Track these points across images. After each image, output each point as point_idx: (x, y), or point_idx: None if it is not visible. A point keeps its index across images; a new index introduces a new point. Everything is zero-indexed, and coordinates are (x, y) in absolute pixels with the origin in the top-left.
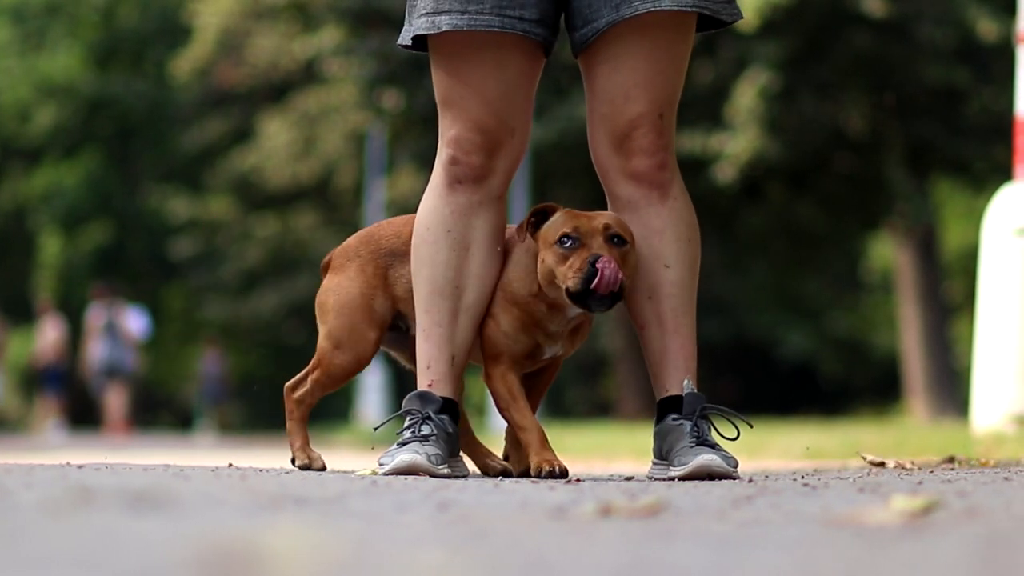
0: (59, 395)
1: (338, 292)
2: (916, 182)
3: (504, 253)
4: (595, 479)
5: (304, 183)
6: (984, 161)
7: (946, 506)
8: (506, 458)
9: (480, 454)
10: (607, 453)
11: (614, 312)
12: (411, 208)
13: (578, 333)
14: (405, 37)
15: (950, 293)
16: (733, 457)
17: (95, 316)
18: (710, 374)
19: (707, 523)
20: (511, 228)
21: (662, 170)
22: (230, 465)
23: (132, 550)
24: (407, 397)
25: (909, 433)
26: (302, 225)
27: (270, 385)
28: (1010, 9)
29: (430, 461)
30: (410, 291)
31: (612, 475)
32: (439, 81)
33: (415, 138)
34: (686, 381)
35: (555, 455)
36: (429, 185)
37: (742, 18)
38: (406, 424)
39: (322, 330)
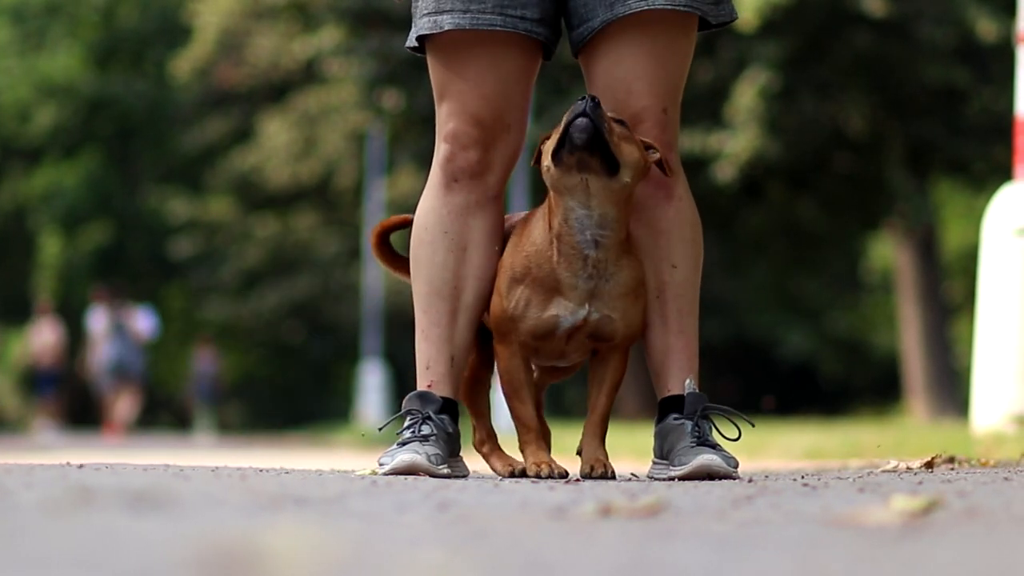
0: (54, 397)
1: None
2: (916, 182)
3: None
4: (595, 479)
5: (304, 183)
6: (984, 161)
7: (946, 506)
8: (579, 453)
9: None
10: (607, 453)
11: None
12: (411, 208)
13: (624, 303)
14: (411, 39)
15: (950, 293)
16: (733, 457)
17: (97, 319)
18: (710, 374)
19: (707, 523)
20: (510, 217)
21: (665, 168)
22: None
23: (132, 550)
24: (407, 397)
25: (909, 433)
26: (302, 225)
27: (270, 385)
28: (1010, 9)
29: (430, 461)
30: None
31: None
32: (437, 76)
33: (415, 138)
34: (688, 380)
35: (549, 456)
36: (427, 185)
37: (735, 19)
38: (406, 424)
39: None
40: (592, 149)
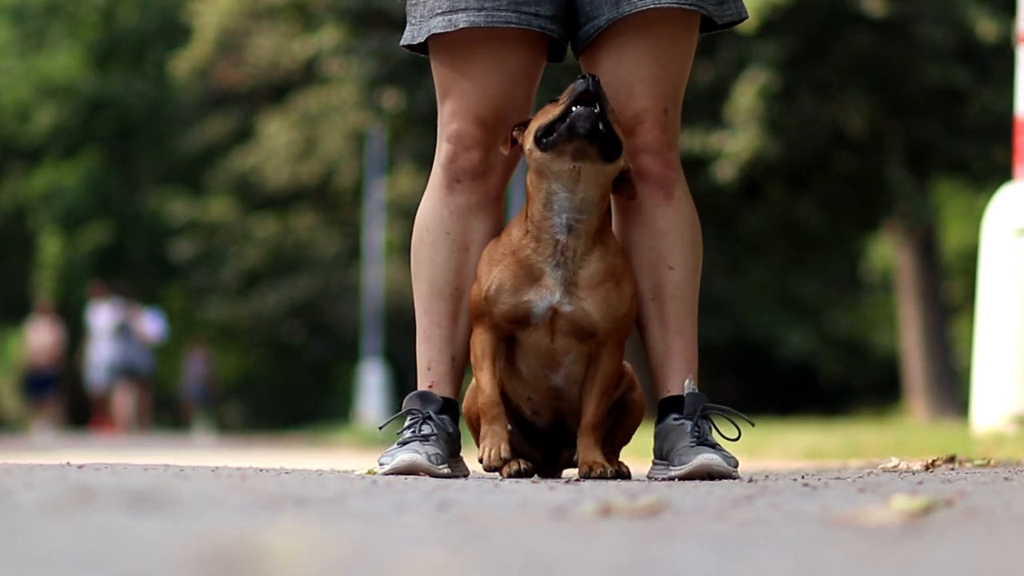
0: (52, 398)
1: None
2: (916, 182)
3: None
4: (595, 479)
5: (304, 183)
6: (984, 161)
7: (946, 506)
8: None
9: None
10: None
11: None
12: (411, 208)
13: (602, 291)
14: (416, 37)
15: (950, 293)
16: (734, 457)
17: (96, 316)
18: (710, 374)
19: (707, 523)
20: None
21: (668, 168)
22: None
23: (132, 550)
24: (408, 397)
25: (909, 433)
26: (302, 225)
27: (270, 385)
28: (1010, 9)
29: (430, 461)
30: None
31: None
32: (440, 75)
33: (415, 138)
34: (687, 381)
35: (506, 439)
36: (428, 186)
37: (744, 18)
38: (407, 424)
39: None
40: (592, 139)
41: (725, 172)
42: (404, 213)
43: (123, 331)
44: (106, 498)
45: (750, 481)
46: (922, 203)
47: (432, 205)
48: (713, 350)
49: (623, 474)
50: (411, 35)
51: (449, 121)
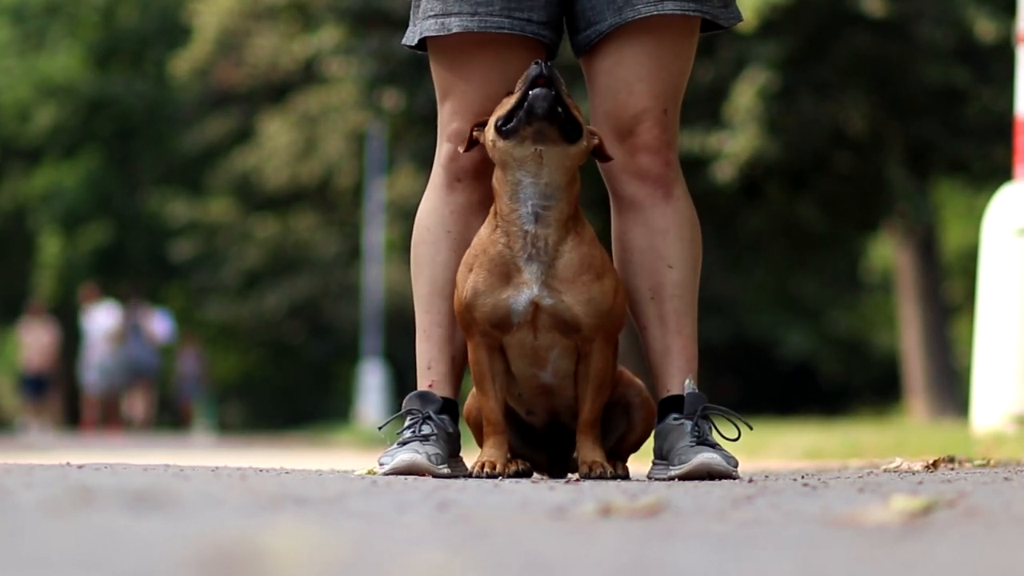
0: (47, 399)
1: None
2: (916, 182)
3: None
4: (595, 479)
5: (304, 183)
6: (984, 161)
7: (946, 506)
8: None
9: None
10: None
11: None
12: (411, 208)
13: (579, 284)
14: (411, 38)
15: (950, 293)
16: (733, 457)
17: (90, 318)
18: (710, 374)
19: (707, 523)
20: None
21: (667, 168)
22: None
23: (132, 550)
24: (408, 397)
25: (909, 433)
26: (302, 225)
27: (270, 385)
28: (1009, 9)
29: (430, 461)
30: None
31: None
32: (440, 76)
33: (415, 138)
34: (687, 381)
35: (501, 454)
36: (428, 186)
37: (741, 20)
38: (407, 424)
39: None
40: (552, 119)
41: (724, 172)
42: (404, 213)
43: (133, 331)
44: (106, 498)
45: (750, 481)
46: (922, 203)
47: (433, 204)
48: (713, 350)
49: (622, 475)
50: (409, 35)
51: (449, 121)
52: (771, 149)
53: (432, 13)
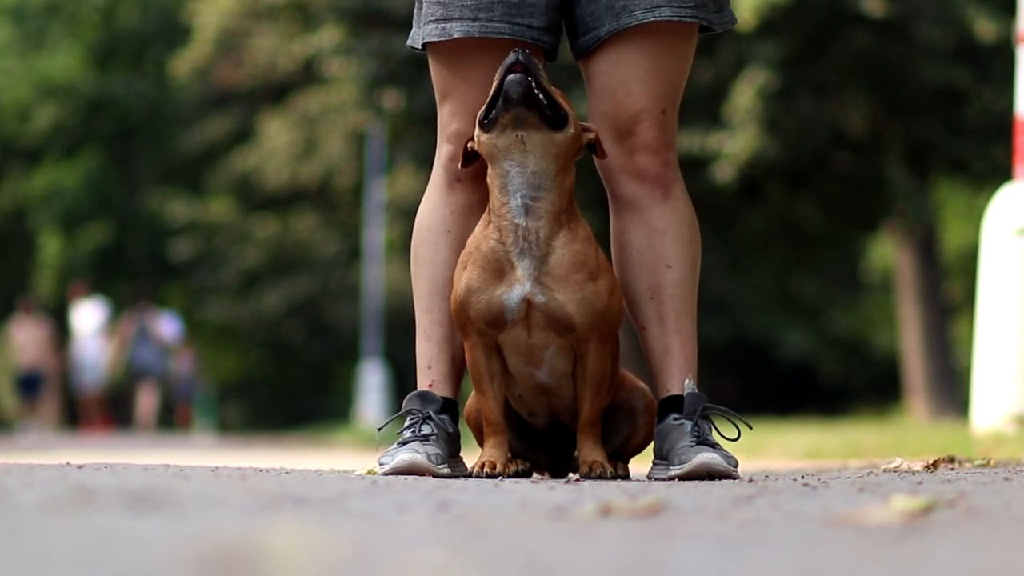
0: (41, 397)
1: None
2: (916, 182)
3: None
4: (595, 479)
5: (304, 183)
6: (984, 161)
7: (946, 506)
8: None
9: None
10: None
11: None
12: (411, 208)
13: (571, 283)
14: (415, 41)
15: (950, 293)
16: (733, 457)
17: (77, 314)
18: (710, 374)
19: (707, 523)
20: None
21: (665, 167)
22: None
23: (132, 550)
24: (408, 397)
25: (909, 433)
26: (302, 226)
27: (270, 385)
28: (1009, 9)
29: (430, 461)
30: None
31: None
32: (440, 77)
33: (415, 138)
34: (687, 380)
35: (501, 454)
36: (428, 186)
37: (736, 23)
38: (407, 424)
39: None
40: (529, 104)
41: (724, 172)
42: (404, 213)
43: (141, 333)
44: (106, 498)
45: (750, 481)
46: (922, 203)
47: (433, 204)
48: (713, 350)
49: (623, 475)
50: (412, 38)
51: (449, 122)
52: (771, 149)
53: (433, 18)
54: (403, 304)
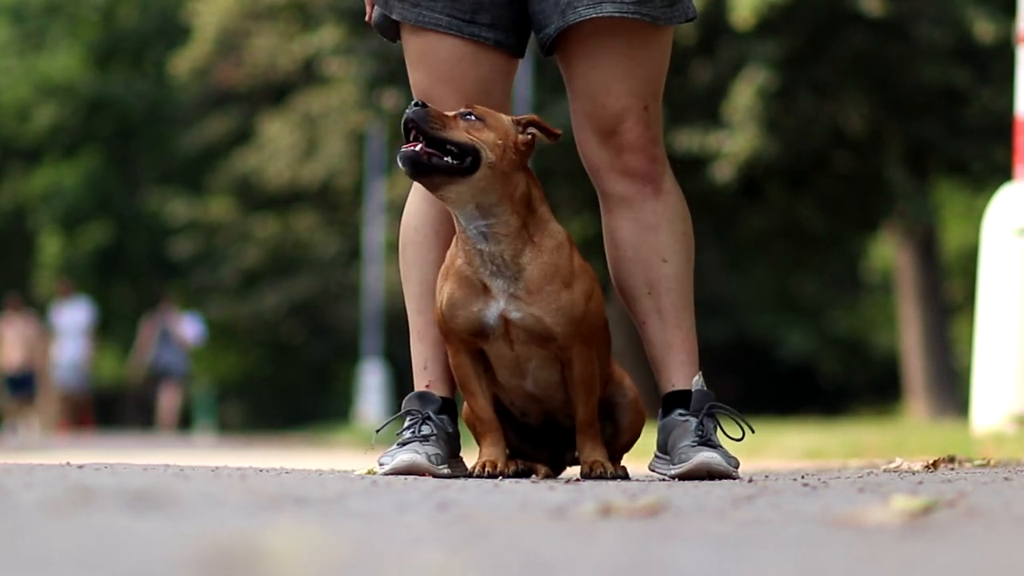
0: (31, 396)
1: None
2: (916, 182)
3: None
4: (595, 479)
5: (304, 184)
6: (984, 161)
7: (946, 506)
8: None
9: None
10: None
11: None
12: None
13: (543, 295)
14: (375, 21)
15: (950, 293)
16: (734, 457)
17: (59, 313)
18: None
19: (707, 523)
20: None
21: (653, 163)
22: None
23: (132, 550)
24: (407, 398)
25: (909, 433)
26: (302, 225)
27: (270, 385)
28: (1008, 9)
29: (430, 461)
30: None
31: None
32: (416, 80)
33: None
34: (697, 377)
35: (500, 453)
36: (412, 187)
37: (692, 18)
38: (406, 424)
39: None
40: (426, 171)
41: (723, 172)
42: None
43: (162, 335)
44: (106, 498)
45: (750, 481)
46: (922, 203)
47: (418, 205)
48: (713, 350)
49: (622, 475)
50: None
51: None
52: (770, 149)
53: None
54: (403, 304)
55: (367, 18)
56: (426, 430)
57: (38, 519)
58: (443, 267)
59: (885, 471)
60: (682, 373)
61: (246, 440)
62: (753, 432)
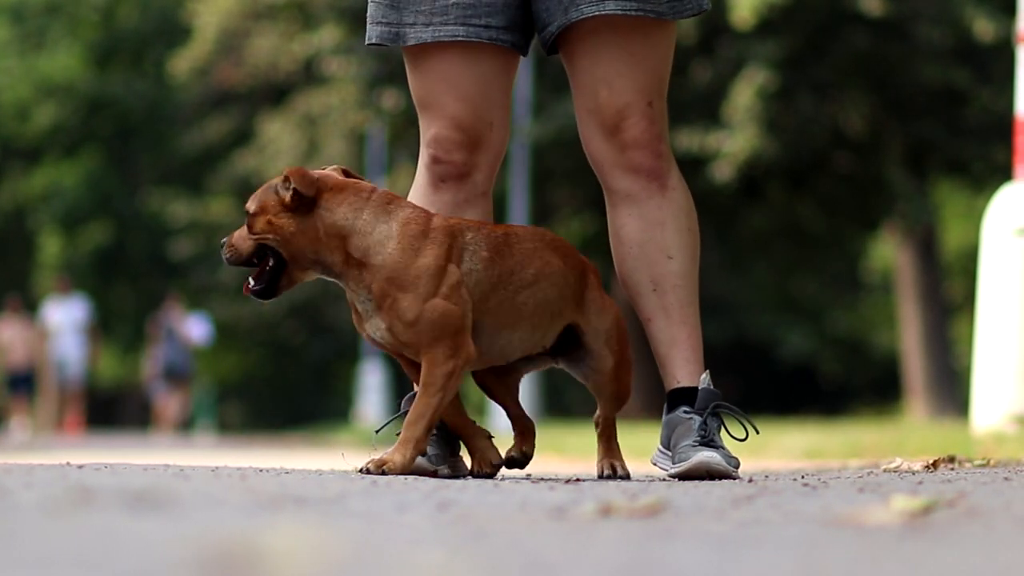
0: (31, 395)
1: None
2: (916, 182)
3: None
4: (595, 479)
5: None
6: (984, 161)
7: (946, 506)
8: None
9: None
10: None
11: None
12: None
13: (385, 309)
14: (368, 38)
15: (950, 293)
16: (735, 457)
17: (52, 310)
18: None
19: (707, 523)
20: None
21: (658, 159)
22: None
23: (132, 550)
24: (406, 397)
25: (909, 433)
26: None
27: (270, 385)
28: (1008, 9)
29: (430, 461)
30: None
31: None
32: (414, 82)
33: (415, 138)
34: (704, 375)
35: (489, 448)
36: (413, 186)
37: (700, 12)
38: None
39: None
40: (270, 295)
41: (723, 172)
42: None
43: (168, 335)
44: (106, 498)
45: (750, 481)
46: (922, 203)
47: (419, 205)
48: (713, 350)
49: (623, 475)
50: (368, 35)
51: (428, 126)
52: (770, 149)
53: (387, 20)
54: None
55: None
56: None
57: (38, 519)
58: None
59: (885, 471)
60: (687, 370)
61: (246, 440)
62: (758, 433)
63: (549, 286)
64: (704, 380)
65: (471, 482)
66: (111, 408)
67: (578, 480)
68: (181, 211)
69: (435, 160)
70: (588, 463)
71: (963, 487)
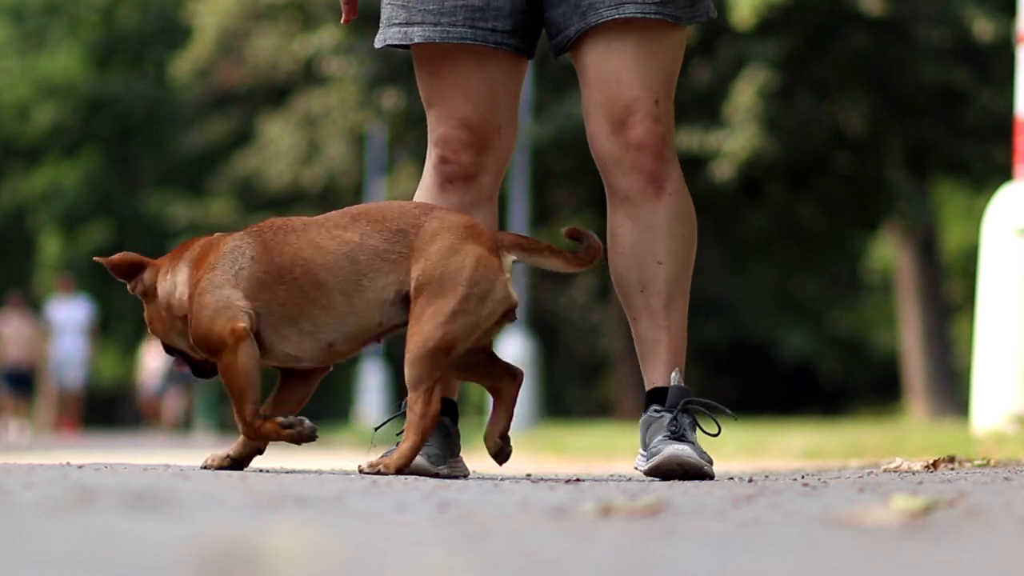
0: (29, 395)
1: None
2: (916, 182)
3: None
4: (595, 479)
5: (305, 185)
6: (984, 161)
7: (946, 506)
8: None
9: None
10: (607, 453)
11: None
12: None
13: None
14: (379, 42)
15: (950, 293)
16: (706, 453)
17: (57, 309)
18: (710, 374)
19: (707, 523)
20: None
21: (660, 162)
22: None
23: (132, 550)
24: (406, 397)
25: (909, 433)
26: None
27: (269, 385)
28: (1008, 9)
29: (430, 461)
30: None
31: (612, 475)
32: (423, 83)
33: (415, 138)
34: (674, 374)
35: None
36: (419, 187)
37: (710, 16)
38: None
39: None
40: (206, 374)
41: (723, 171)
42: None
43: None
44: (106, 498)
45: (750, 481)
46: (922, 203)
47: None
48: (713, 350)
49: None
50: (378, 39)
51: (436, 126)
52: (770, 148)
53: (397, 21)
54: None
55: (343, 20)
56: None
57: (38, 519)
58: None
59: (885, 471)
60: (662, 371)
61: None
62: (736, 419)
63: (346, 264)
64: (675, 378)
65: (471, 482)
66: (111, 408)
67: (578, 480)
68: (181, 212)
69: (443, 160)
70: (588, 463)
71: (963, 487)
